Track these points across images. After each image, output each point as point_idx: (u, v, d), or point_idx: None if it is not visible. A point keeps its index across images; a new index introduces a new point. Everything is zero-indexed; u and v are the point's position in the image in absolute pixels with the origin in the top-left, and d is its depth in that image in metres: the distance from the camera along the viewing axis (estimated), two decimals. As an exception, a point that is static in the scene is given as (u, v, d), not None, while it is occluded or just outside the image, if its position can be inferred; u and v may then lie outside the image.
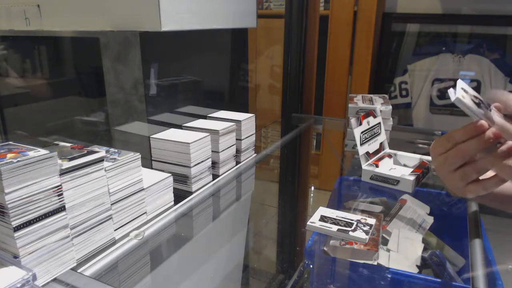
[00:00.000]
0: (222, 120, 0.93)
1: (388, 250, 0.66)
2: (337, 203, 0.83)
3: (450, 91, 0.50)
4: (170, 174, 0.72)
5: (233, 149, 0.91)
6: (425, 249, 0.67)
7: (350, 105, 1.08)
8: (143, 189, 0.65)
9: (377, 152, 0.89)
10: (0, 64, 1.12)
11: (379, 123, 0.91)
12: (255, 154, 1.01)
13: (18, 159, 0.45)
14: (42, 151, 0.48)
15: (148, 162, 0.82)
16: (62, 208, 0.51)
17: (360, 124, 0.85)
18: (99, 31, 0.82)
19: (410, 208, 0.75)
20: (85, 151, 0.55)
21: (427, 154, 0.87)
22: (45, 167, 0.48)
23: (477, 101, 0.50)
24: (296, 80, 1.45)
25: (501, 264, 0.58)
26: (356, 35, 1.53)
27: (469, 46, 1.49)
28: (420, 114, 1.59)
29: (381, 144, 0.91)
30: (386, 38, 1.61)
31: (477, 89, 1.48)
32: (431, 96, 1.56)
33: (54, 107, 1.10)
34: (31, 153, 0.47)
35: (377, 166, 0.83)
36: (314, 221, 0.63)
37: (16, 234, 0.46)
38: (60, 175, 0.50)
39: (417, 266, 0.64)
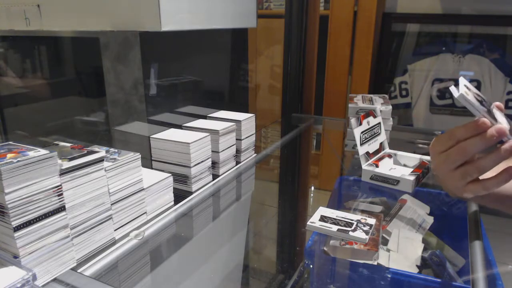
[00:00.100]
0: (222, 120, 0.93)
1: (388, 250, 0.66)
2: (337, 203, 0.83)
3: (452, 88, 0.49)
4: (170, 174, 0.72)
5: (233, 149, 0.91)
6: (425, 249, 0.66)
7: (350, 105, 1.07)
8: (143, 189, 0.65)
9: (377, 152, 0.89)
10: (0, 64, 1.12)
11: (379, 123, 0.91)
12: (255, 154, 1.01)
13: (18, 159, 0.45)
14: (42, 151, 0.48)
15: (148, 162, 0.82)
16: (62, 208, 0.51)
17: (360, 124, 0.85)
18: (99, 31, 0.82)
19: (410, 208, 0.75)
20: (85, 151, 0.55)
21: (427, 154, 0.86)
22: (45, 167, 0.48)
23: (479, 98, 0.50)
24: (296, 80, 1.45)
25: (501, 264, 0.58)
26: (356, 35, 1.53)
27: (469, 46, 1.49)
28: (420, 114, 1.59)
29: (381, 144, 0.91)
30: (386, 38, 1.61)
31: (477, 89, 1.48)
32: (431, 96, 1.56)
33: (54, 107, 1.10)
34: (31, 153, 0.47)
35: (377, 166, 0.83)
36: (314, 221, 0.63)
37: (16, 234, 0.46)
38: (60, 175, 0.50)
39: (417, 266, 0.64)
